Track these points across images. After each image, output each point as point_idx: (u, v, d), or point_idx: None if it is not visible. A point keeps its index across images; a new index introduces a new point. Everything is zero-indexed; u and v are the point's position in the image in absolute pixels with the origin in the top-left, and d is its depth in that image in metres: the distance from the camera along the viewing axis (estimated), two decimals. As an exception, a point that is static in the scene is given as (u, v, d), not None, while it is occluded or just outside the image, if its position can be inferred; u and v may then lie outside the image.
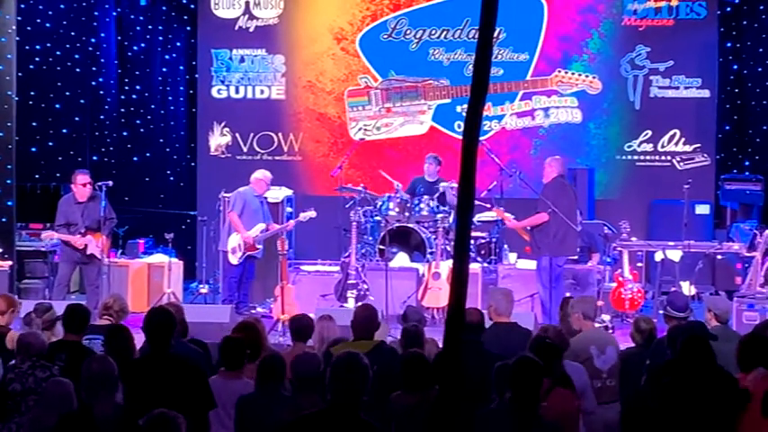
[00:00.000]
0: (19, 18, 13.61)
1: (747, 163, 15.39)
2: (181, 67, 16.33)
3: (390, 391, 6.22)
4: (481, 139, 12.66)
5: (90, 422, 5.43)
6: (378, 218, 12.97)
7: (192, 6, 16.04)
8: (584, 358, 7.20)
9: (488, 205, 12.76)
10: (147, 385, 5.77)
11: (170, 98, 16.28)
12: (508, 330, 7.82)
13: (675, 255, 12.45)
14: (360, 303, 11.25)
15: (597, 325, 8.30)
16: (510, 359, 6.43)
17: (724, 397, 5.84)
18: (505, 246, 13.14)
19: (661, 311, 10.02)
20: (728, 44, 15.44)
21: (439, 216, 12.59)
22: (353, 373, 4.80)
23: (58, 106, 15.02)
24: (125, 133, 15.95)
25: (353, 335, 7.02)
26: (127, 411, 5.48)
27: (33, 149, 14.71)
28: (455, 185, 12.47)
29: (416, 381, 6.02)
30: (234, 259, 12.39)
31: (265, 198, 12.80)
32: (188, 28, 16.24)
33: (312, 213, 12.52)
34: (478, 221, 12.88)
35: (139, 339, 7.10)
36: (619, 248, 12.50)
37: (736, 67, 15.51)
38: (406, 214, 12.81)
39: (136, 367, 6.07)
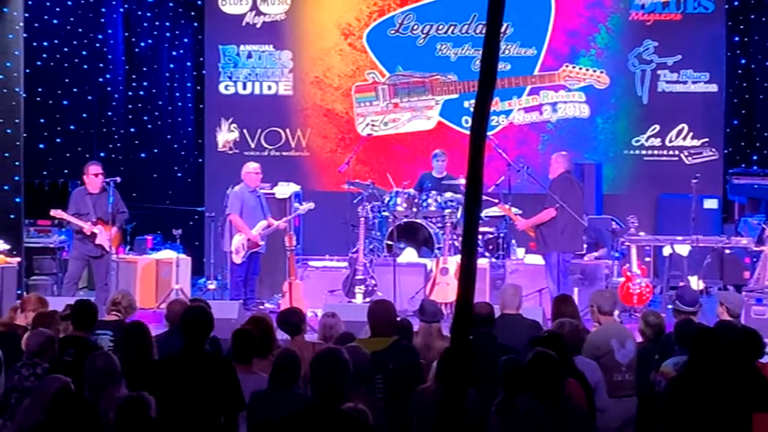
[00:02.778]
0: (26, 15, 13.61)
1: (755, 157, 15.35)
2: (188, 64, 16.34)
3: (408, 389, 6.21)
4: (489, 134, 12.71)
5: (95, 417, 5.42)
6: (385, 213, 12.96)
7: (200, 2, 16.05)
8: (605, 351, 7.14)
9: (496, 201, 12.76)
10: (180, 384, 5.72)
11: (177, 94, 16.29)
12: (514, 321, 7.93)
13: (684, 249, 12.43)
14: (374, 299, 11.24)
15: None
16: (516, 353, 6.44)
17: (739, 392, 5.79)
18: (513, 241, 13.14)
19: (670, 306, 10.00)
20: (736, 38, 15.40)
21: (447, 211, 12.58)
22: (334, 369, 4.88)
23: (65, 103, 15.04)
24: (132, 129, 15.96)
25: (371, 332, 6.92)
26: (160, 410, 5.34)
27: (41, 146, 14.72)
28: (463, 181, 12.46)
29: None
30: (237, 259, 12.35)
31: (261, 192, 12.73)
32: (195, 24, 16.25)
33: (311, 205, 12.55)
34: (486, 216, 12.88)
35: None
36: (627, 243, 12.47)
37: (743, 61, 15.47)
38: (414, 209, 12.81)
39: (170, 365, 5.97)
